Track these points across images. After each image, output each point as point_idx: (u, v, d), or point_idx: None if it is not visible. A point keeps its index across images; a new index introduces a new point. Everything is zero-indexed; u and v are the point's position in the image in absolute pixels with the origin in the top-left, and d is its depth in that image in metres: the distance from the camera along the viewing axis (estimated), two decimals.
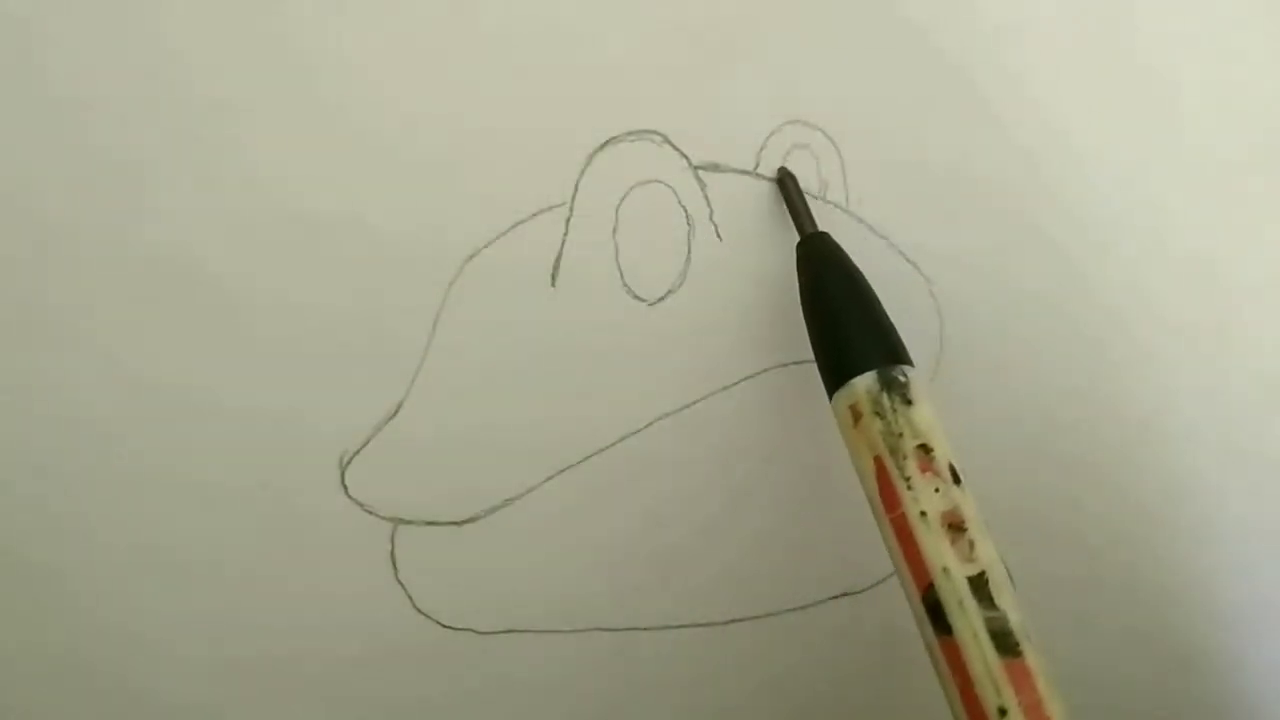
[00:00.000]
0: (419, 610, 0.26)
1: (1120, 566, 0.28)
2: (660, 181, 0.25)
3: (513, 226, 0.25)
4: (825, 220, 0.26)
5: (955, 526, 0.22)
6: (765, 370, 0.26)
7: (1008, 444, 0.27)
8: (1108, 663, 0.28)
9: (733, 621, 0.27)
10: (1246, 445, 0.28)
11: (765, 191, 0.25)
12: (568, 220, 0.25)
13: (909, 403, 0.22)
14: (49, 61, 0.22)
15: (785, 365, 0.26)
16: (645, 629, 0.27)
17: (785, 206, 0.26)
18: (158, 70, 0.23)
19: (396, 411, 0.25)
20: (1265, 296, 0.28)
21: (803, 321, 0.25)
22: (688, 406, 0.26)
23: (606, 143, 0.25)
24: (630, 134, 0.25)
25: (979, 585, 0.21)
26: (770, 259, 0.26)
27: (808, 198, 0.26)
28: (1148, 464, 0.28)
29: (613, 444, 0.26)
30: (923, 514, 0.22)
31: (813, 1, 0.25)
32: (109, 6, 0.22)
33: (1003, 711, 0.21)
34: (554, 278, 0.25)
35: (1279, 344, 0.28)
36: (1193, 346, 0.28)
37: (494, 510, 0.26)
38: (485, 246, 0.25)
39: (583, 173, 0.25)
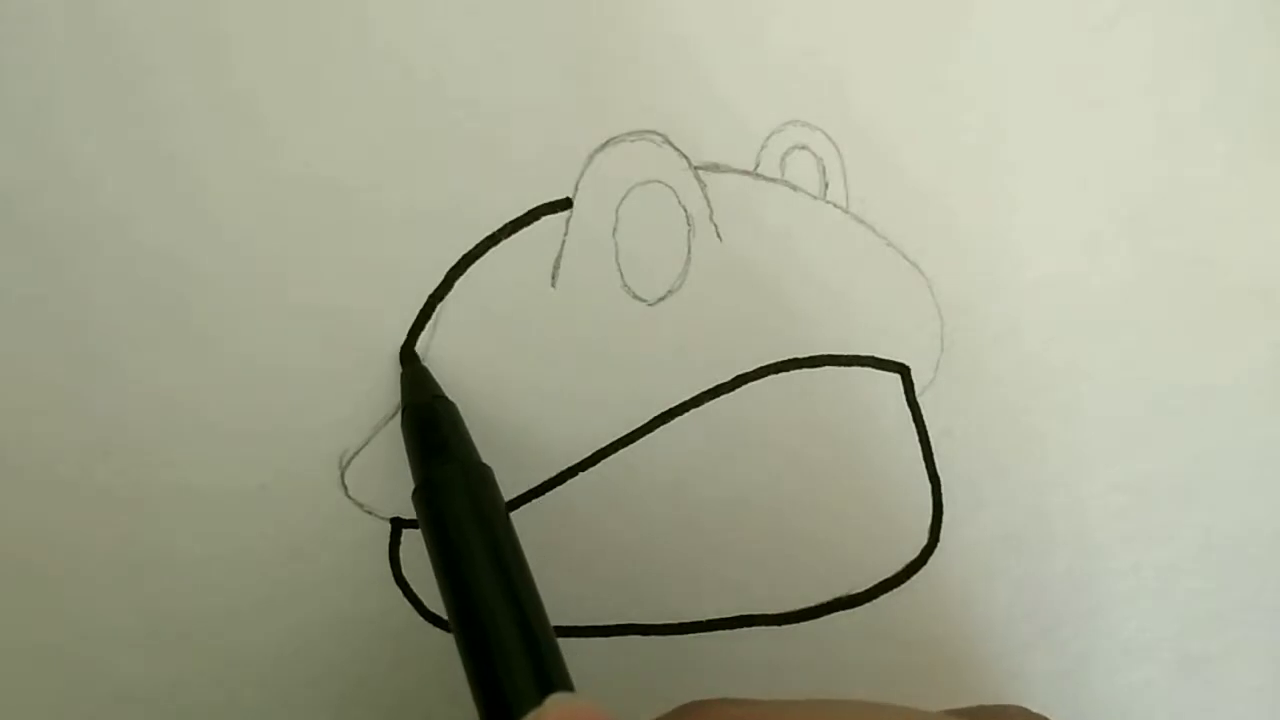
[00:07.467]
0: (420, 611, 0.26)
1: (1122, 567, 0.28)
2: (660, 181, 0.25)
3: (513, 227, 0.25)
4: (826, 220, 0.26)
5: None
6: (765, 371, 0.26)
7: (1007, 444, 0.27)
8: (1108, 662, 0.28)
9: (734, 622, 0.27)
10: (1251, 442, 0.28)
11: (765, 191, 0.25)
12: (568, 220, 0.25)
13: None
14: (47, 58, 0.22)
15: (785, 365, 0.26)
16: (646, 629, 0.27)
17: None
18: (157, 70, 0.23)
19: (396, 412, 0.25)
20: (1266, 292, 0.28)
21: (806, 322, 0.25)
22: (687, 407, 0.26)
23: (606, 143, 0.25)
24: (630, 134, 0.25)
25: None
26: (770, 259, 0.26)
27: (808, 198, 0.26)
28: (1151, 463, 0.28)
29: (612, 444, 0.26)
30: None
31: (813, 1, 0.25)
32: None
33: None
34: (554, 278, 0.25)
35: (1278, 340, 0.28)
36: (1195, 343, 0.28)
37: None
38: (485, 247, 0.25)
39: (583, 173, 0.25)
